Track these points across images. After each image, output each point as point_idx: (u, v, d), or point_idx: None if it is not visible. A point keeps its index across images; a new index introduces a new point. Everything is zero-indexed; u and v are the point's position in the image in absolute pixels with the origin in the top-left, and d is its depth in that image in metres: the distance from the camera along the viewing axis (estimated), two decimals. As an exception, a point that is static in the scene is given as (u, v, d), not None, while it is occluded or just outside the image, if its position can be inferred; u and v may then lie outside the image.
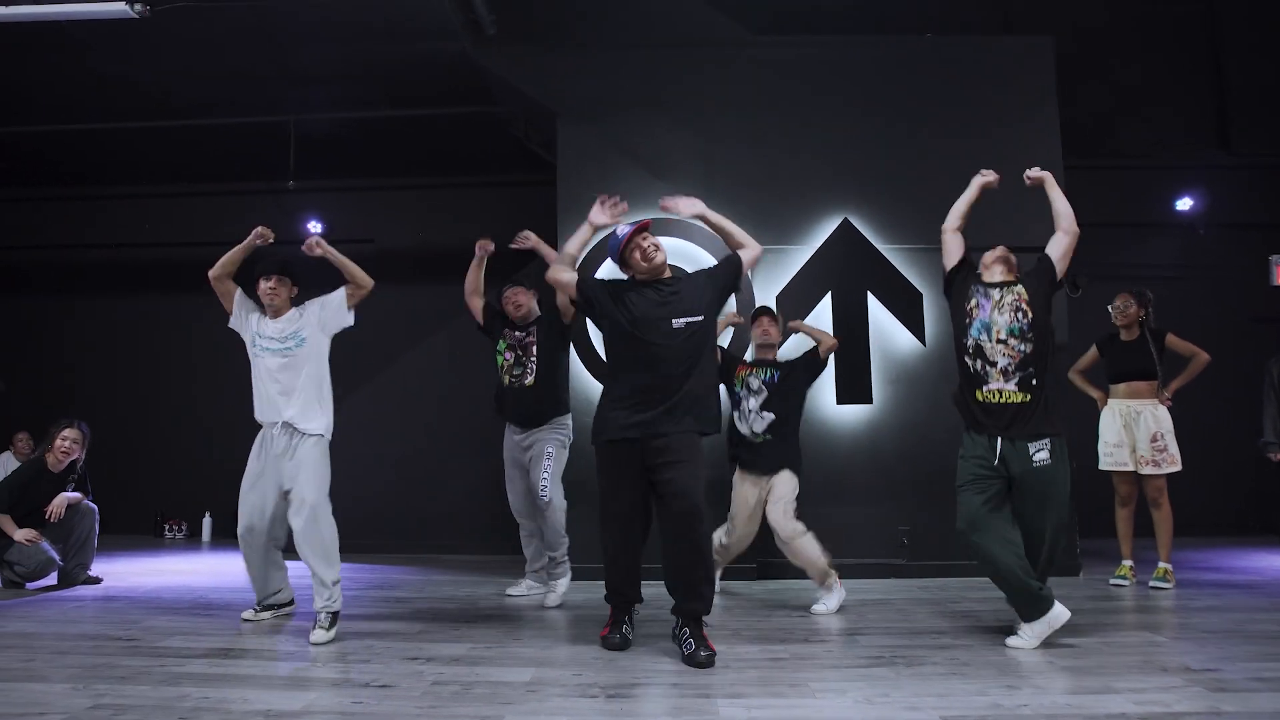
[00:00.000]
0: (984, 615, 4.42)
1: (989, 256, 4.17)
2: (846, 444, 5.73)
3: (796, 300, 5.85)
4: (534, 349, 4.98)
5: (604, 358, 4.26)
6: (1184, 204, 8.51)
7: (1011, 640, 3.70)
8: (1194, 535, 7.29)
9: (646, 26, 6.15)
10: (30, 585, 5.47)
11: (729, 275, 3.92)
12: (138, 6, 5.66)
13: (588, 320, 4.77)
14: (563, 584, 4.91)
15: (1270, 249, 8.30)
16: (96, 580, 5.67)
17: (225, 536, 8.60)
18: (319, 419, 4.31)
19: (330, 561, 4.09)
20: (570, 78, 6.08)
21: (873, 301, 5.83)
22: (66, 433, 5.70)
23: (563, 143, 6.02)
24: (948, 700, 2.89)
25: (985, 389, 3.82)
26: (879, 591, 5.18)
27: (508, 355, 5.05)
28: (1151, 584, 5.20)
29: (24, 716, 2.77)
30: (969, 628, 4.12)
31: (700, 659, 3.37)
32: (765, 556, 5.61)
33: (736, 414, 4.84)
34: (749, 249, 3.96)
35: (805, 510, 5.41)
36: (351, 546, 6.93)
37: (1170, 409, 5.34)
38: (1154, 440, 5.21)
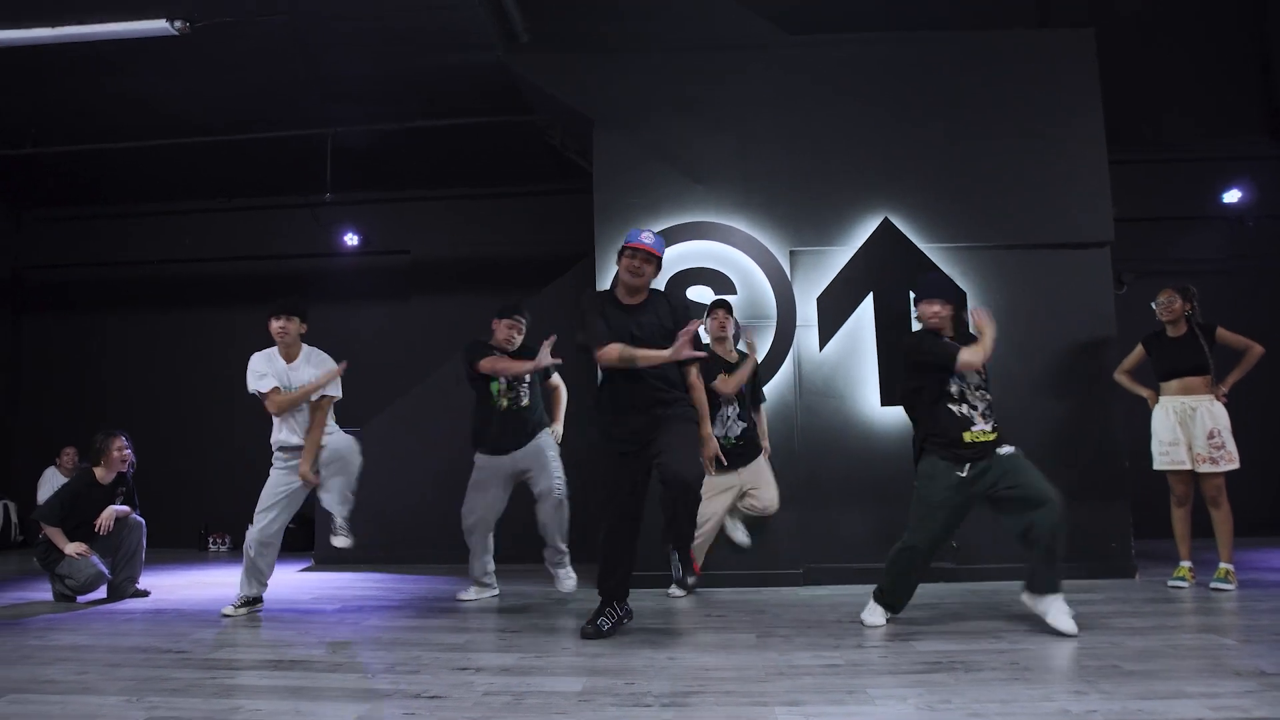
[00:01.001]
0: (1035, 619, 4.30)
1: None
2: (891, 446, 5.62)
3: (838, 302, 5.78)
4: (526, 375, 5.21)
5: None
6: (1232, 196, 8.33)
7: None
8: (1255, 535, 7.09)
9: (679, 30, 6.12)
10: (80, 599, 5.52)
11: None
12: (178, 24, 5.75)
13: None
14: (571, 571, 5.28)
15: (1318, 240, 8.12)
16: (145, 593, 5.71)
17: (268, 549, 8.66)
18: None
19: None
20: (605, 83, 6.05)
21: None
22: (120, 442, 5.77)
23: (599, 149, 5.99)
24: (1012, 706, 2.80)
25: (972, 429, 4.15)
26: (930, 596, 5.07)
27: (501, 381, 5.21)
28: (1212, 585, 5.05)
29: (80, 728, 2.77)
30: (1027, 630, 4.02)
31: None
32: (810, 562, 5.54)
33: (714, 419, 5.11)
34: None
35: (854, 513, 5.36)
36: (394, 557, 7.02)
37: (1226, 404, 5.19)
38: (1211, 437, 5.07)
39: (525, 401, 5.22)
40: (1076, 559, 5.35)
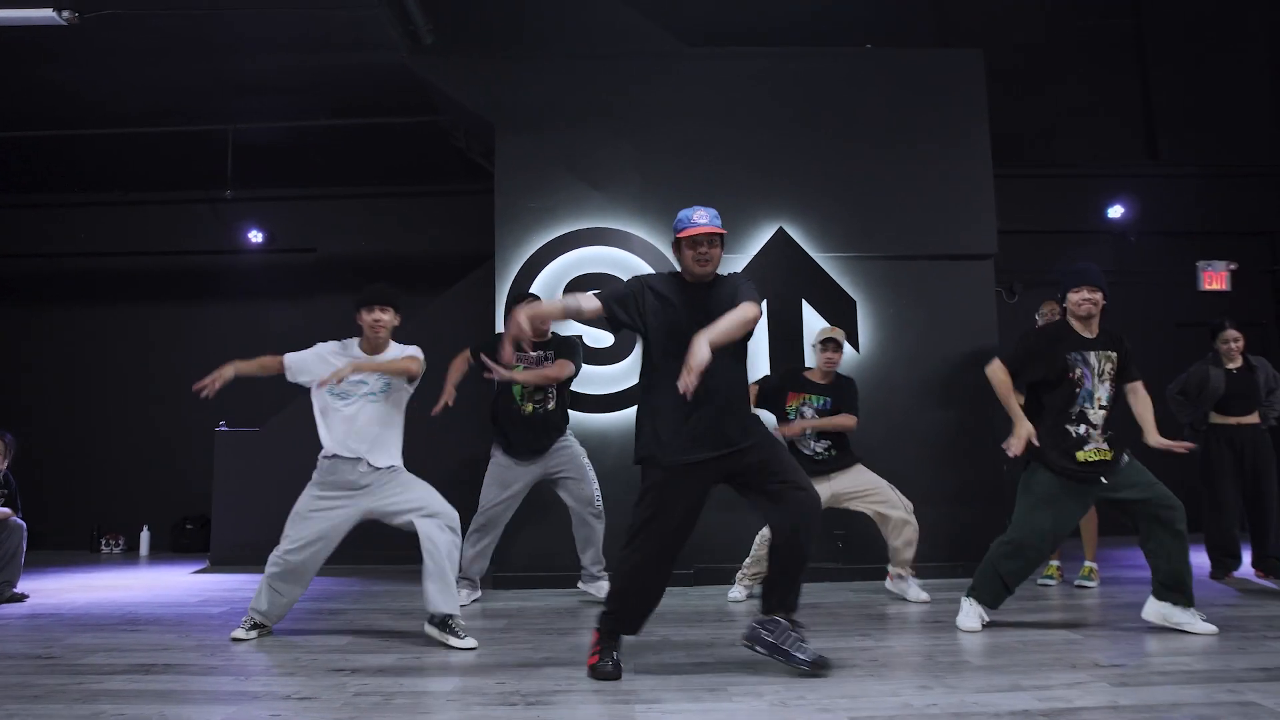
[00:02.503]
0: (911, 617, 4.51)
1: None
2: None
3: (732, 308, 5.92)
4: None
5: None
6: (1116, 212, 8.76)
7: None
8: (1121, 535, 7.46)
9: (585, 39, 6.20)
10: (-45, 604, 5.34)
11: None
12: (65, 13, 5.59)
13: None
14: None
15: (1197, 255, 8.59)
16: (22, 597, 5.54)
17: (163, 550, 8.48)
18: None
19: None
20: (508, 89, 6.10)
21: (807, 309, 5.92)
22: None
23: (500, 153, 6.04)
24: (860, 701, 2.95)
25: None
26: (814, 595, 5.24)
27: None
28: (1076, 583, 5.34)
29: (-72, 737, 2.73)
30: (896, 629, 4.20)
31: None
32: (700, 563, 5.67)
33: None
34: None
35: (744, 514, 5.46)
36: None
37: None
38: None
39: (552, 405, 5.06)
40: (956, 559, 5.62)
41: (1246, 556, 5.51)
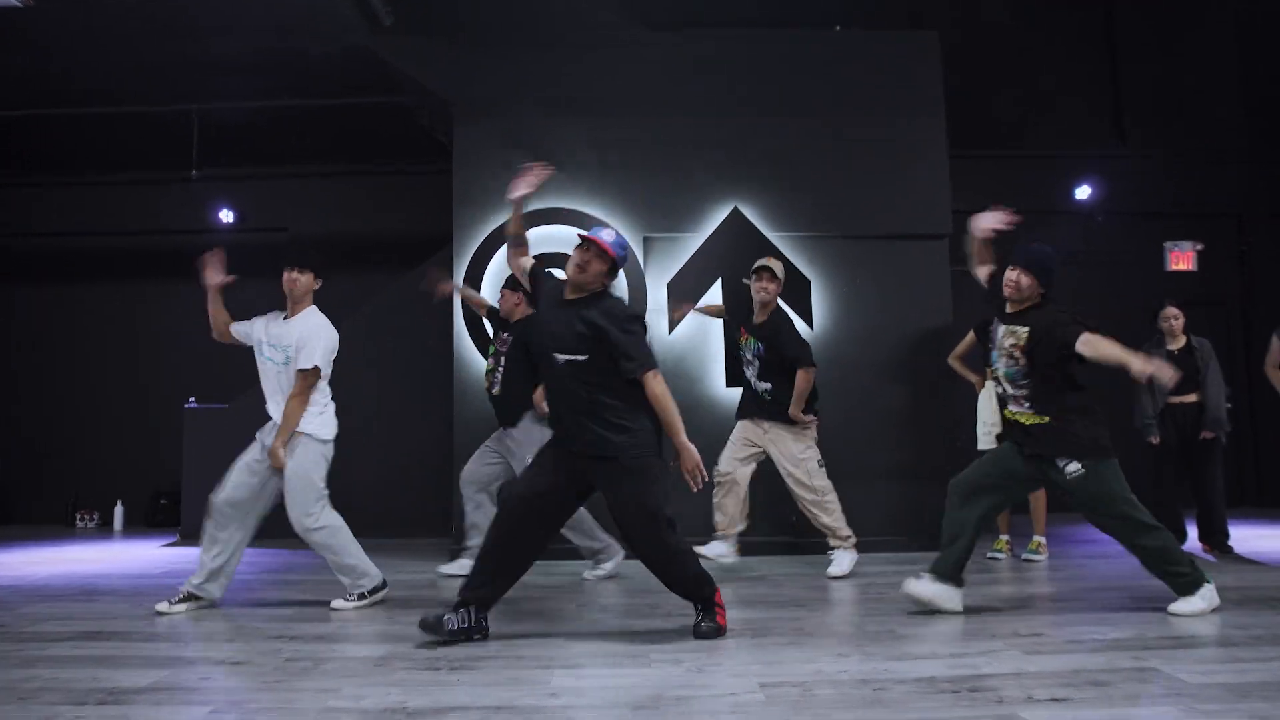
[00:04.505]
0: (848, 589, 4.60)
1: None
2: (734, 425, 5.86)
3: (688, 287, 5.98)
4: (504, 357, 5.02)
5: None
6: (1083, 192, 8.81)
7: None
8: (1071, 511, 7.57)
9: (543, 20, 6.21)
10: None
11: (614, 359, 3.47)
12: (22, -3, 5.60)
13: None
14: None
15: (1164, 236, 8.66)
16: None
17: (137, 525, 8.55)
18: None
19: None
20: (467, 70, 6.12)
21: (762, 288, 5.97)
22: None
23: (459, 133, 6.07)
24: (774, 669, 3.03)
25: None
26: (764, 568, 5.34)
27: (489, 360, 5.15)
28: (1024, 556, 5.43)
29: None
30: (833, 601, 4.28)
31: (701, 629, 3.48)
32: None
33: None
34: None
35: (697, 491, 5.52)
36: (262, 533, 6.99)
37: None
38: (1025, 419, 5.42)
39: (495, 390, 5.05)
40: (910, 534, 5.71)
41: (1192, 532, 5.61)
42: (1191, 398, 5.59)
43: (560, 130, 6.05)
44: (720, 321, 5.89)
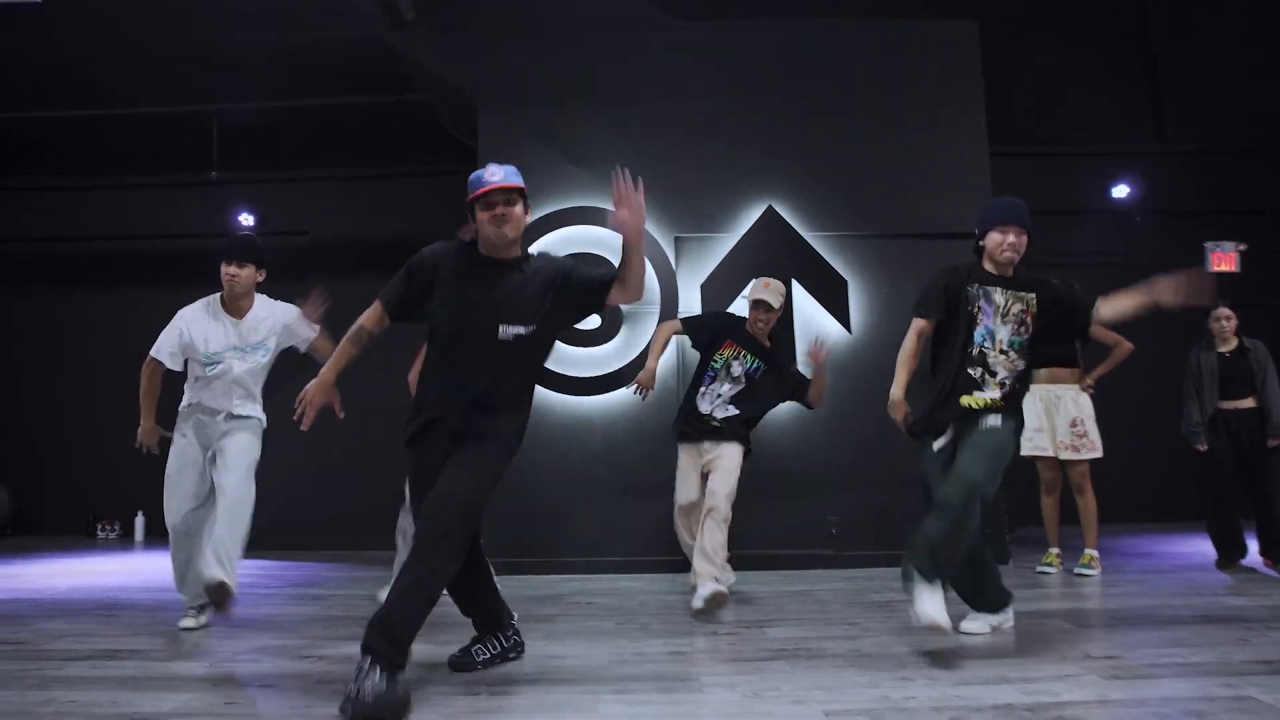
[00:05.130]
0: (901, 606, 4.38)
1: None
2: (773, 434, 5.65)
3: (721, 288, 5.79)
4: None
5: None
6: (1120, 191, 8.56)
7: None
8: (1122, 522, 7.34)
9: (568, 13, 6.05)
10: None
11: (585, 294, 3.13)
12: (37, -7, 5.48)
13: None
14: None
15: (1205, 235, 8.39)
16: None
17: (158, 535, 8.42)
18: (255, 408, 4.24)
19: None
20: (490, 65, 5.96)
21: (798, 289, 5.79)
22: None
23: (483, 131, 5.91)
24: (836, 694, 2.83)
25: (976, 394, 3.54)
26: (804, 582, 5.13)
27: None
28: (1076, 570, 5.20)
29: None
30: (884, 618, 4.08)
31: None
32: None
33: (701, 391, 4.55)
34: (628, 290, 3.07)
35: (739, 499, 5.35)
36: (275, 544, 6.85)
37: (1091, 395, 5.34)
38: (1073, 425, 5.21)
39: None
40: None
41: (1254, 545, 5.36)
42: (1247, 402, 5.34)
43: (586, 126, 5.89)
44: None
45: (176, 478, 4.09)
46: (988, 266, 3.62)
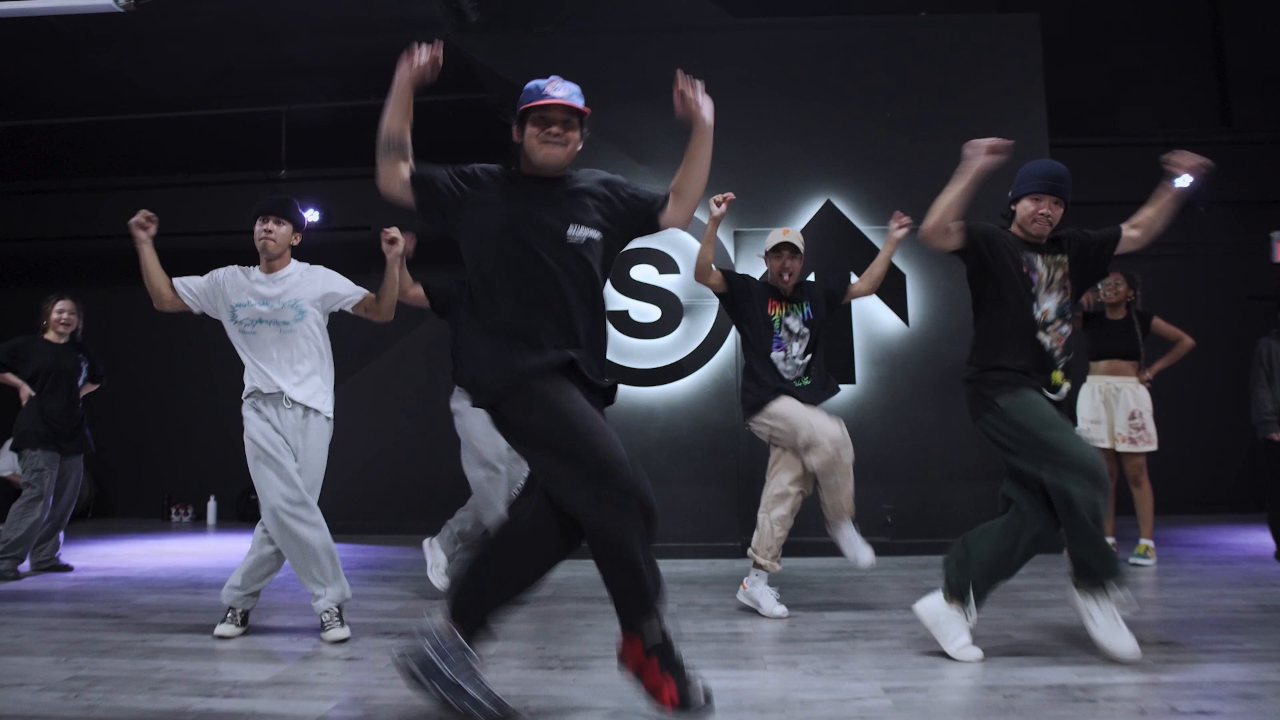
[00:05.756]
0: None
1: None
2: (830, 423, 5.77)
3: (779, 282, 5.89)
4: None
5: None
6: (1184, 182, 8.42)
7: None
8: (1186, 513, 7.31)
9: (629, 12, 6.20)
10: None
11: (638, 207, 2.85)
12: (123, 1, 5.74)
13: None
14: None
15: (1271, 225, 8.25)
16: (68, 568, 5.59)
17: (229, 519, 8.79)
18: (327, 397, 3.91)
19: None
20: (553, 64, 6.06)
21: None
22: (61, 304, 5.65)
23: (547, 129, 6.07)
24: (895, 672, 2.95)
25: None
26: (861, 569, 5.22)
27: None
28: (1131, 560, 5.23)
29: (3, 687, 2.89)
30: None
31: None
32: (749, 535, 5.68)
33: (772, 362, 4.22)
34: (684, 200, 2.88)
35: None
36: (342, 528, 7.10)
37: (1150, 389, 5.35)
38: (1132, 418, 5.23)
39: None
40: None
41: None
42: (1318, 393, 5.32)
43: (647, 123, 6.01)
44: None
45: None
46: (1020, 233, 3.44)
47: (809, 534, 5.47)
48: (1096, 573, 3.10)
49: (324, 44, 6.73)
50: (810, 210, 5.94)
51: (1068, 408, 3.45)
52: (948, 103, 5.99)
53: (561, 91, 2.77)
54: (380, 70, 7.10)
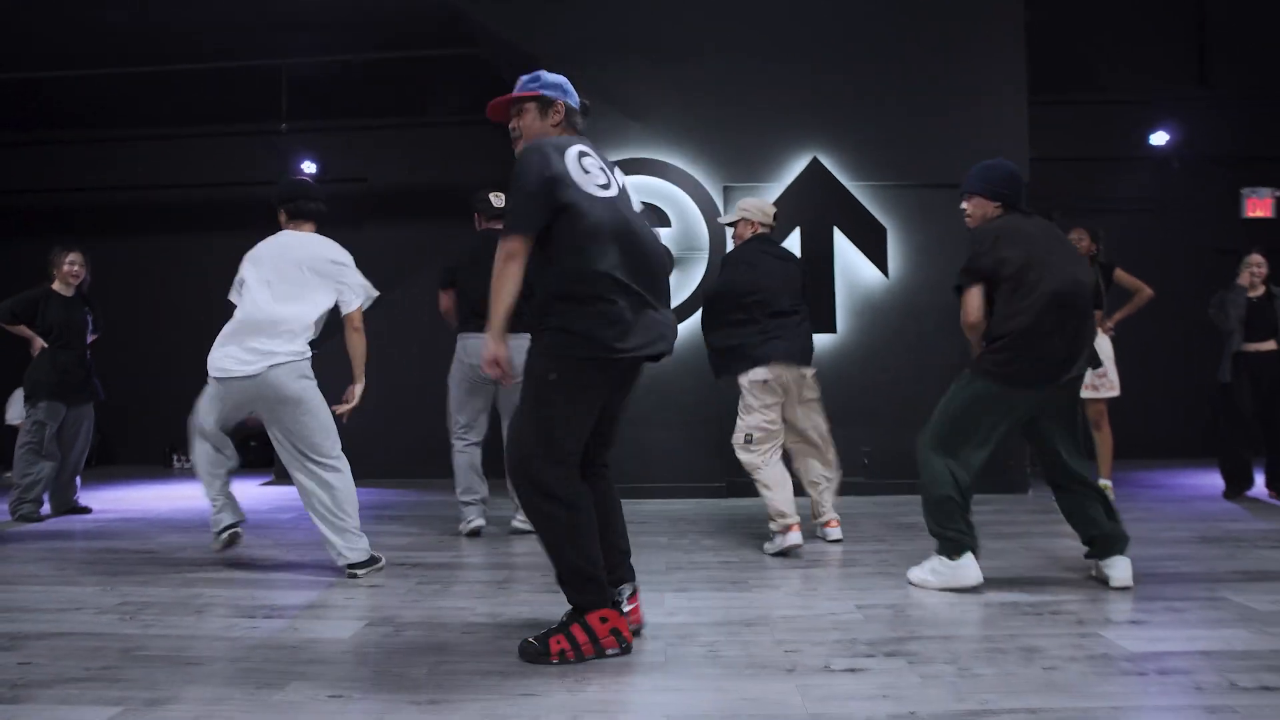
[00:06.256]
0: (923, 527, 4.82)
1: None
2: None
3: (766, 236, 6.16)
4: None
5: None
6: (1159, 138, 8.71)
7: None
8: (1147, 457, 7.70)
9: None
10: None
11: None
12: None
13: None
14: None
15: (1242, 181, 8.54)
16: (86, 510, 5.89)
17: (232, 465, 9.08)
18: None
19: None
20: (549, 24, 6.29)
21: (839, 236, 6.14)
22: (71, 256, 5.87)
23: (542, 86, 6.26)
24: (867, 594, 3.29)
25: None
26: (840, 508, 5.56)
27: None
28: (1092, 500, 5.59)
29: (64, 610, 3.20)
30: (908, 537, 4.52)
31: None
32: (731, 476, 6.01)
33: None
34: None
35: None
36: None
37: (1112, 337, 5.67)
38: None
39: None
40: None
41: (1260, 478, 5.73)
42: (1269, 345, 5.65)
43: (641, 82, 6.22)
44: None
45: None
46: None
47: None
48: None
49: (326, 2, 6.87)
50: (797, 166, 6.18)
51: None
52: (930, 63, 6.21)
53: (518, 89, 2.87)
54: (377, 24, 7.31)
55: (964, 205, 3.65)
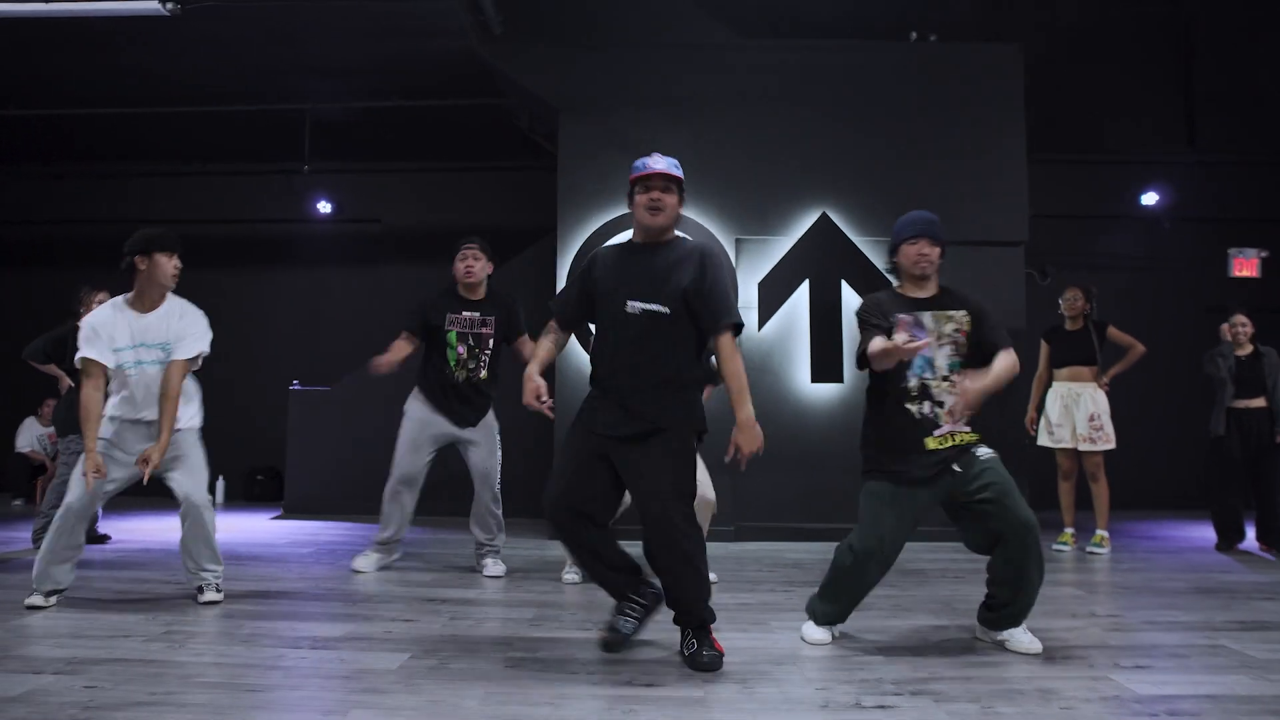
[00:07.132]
0: (930, 571, 4.99)
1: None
2: (820, 420, 6.28)
3: (776, 287, 6.38)
4: (490, 341, 4.76)
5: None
6: (1150, 198, 9.02)
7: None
8: (1132, 508, 7.90)
9: (646, 29, 6.62)
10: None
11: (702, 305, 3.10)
12: (170, 5, 6.09)
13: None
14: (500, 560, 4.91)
15: (1230, 242, 8.84)
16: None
17: (237, 499, 9.16)
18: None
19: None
20: (573, 76, 6.56)
21: (846, 289, 6.36)
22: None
23: (564, 136, 6.51)
24: (884, 635, 3.45)
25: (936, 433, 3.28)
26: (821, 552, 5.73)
27: (460, 349, 4.71)
28: (1089, 549, 5.77)
29: (113, 636, 3.33)
30: (916, 581, 4.68)
31: (702, 659, 3.02)
32: (740, 520, 6.17)
33: None
34: (722, 366, 3.19)
35: (783, 477, 5.92)
36: (358, 509, 7.53)
37: (1108, 393, 5.90)
38: (1091, 420, 5.77)
39: (483, 374, 4.74)
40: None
41: (1251, 531, 5.92)
42: (1258, 402, 5.88)
43: (659, 134, 6.44)
44: (807, 315, 6.30)
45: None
46: (908, 292, 3.40)
47: (797, 520, 5.99)
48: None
49: (350, 48, 7.09)
50: (807, 221, 6.42)
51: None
52: (936, 125, 6.49)
53: (660, 164, 3.12)
54: (403, 73, 7.57)
55: (937, 253, 3.41)
